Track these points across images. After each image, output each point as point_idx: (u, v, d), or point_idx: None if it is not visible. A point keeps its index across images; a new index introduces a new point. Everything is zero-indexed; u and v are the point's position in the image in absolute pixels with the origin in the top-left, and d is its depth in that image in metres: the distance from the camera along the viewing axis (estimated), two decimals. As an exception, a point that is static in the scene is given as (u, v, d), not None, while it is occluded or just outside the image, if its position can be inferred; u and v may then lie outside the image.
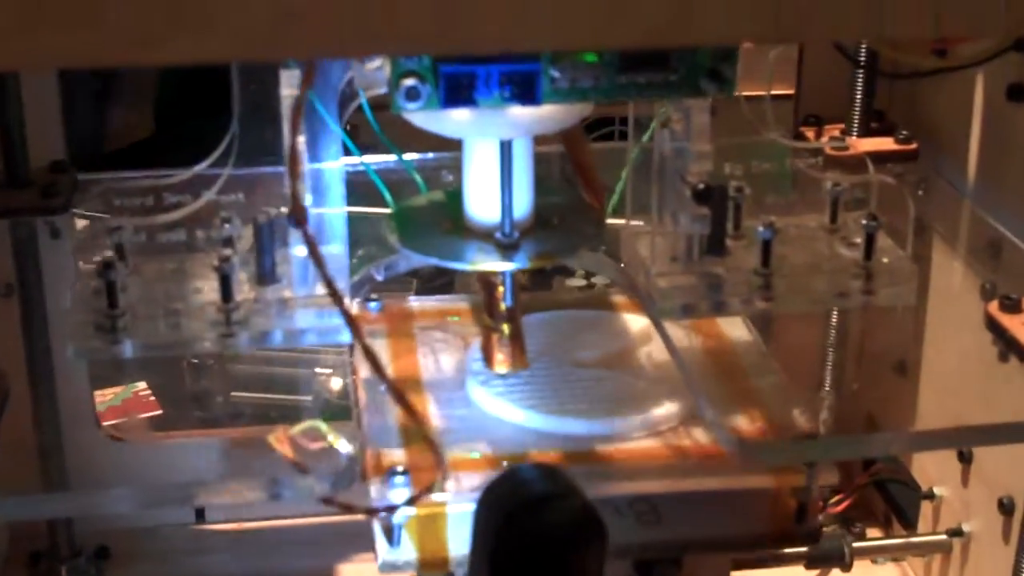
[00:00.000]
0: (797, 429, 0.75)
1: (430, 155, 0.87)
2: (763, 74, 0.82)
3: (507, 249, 0.73)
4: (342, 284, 0.74)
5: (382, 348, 0.84)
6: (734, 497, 0.73)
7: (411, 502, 0.68)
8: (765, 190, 0.81)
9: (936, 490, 1.00)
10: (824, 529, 1.05)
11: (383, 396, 0.78)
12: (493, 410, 0.78)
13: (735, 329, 0.85)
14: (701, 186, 0.73)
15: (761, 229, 0.75)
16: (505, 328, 0.77)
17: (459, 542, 0.70)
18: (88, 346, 0.71)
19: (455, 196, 0.77)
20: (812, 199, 0.82)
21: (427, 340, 0.85)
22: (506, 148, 0.71)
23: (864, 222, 0.77)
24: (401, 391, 0.65)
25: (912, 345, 1.00)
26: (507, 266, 0.73)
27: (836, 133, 0.96)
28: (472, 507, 0.68)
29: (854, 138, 0.96)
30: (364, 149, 0.81)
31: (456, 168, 0.81)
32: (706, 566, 0.78)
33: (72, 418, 0.97)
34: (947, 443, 0.84)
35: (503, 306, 0.77)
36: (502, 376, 0.78)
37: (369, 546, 0.73)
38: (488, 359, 0.78)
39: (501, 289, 0.77)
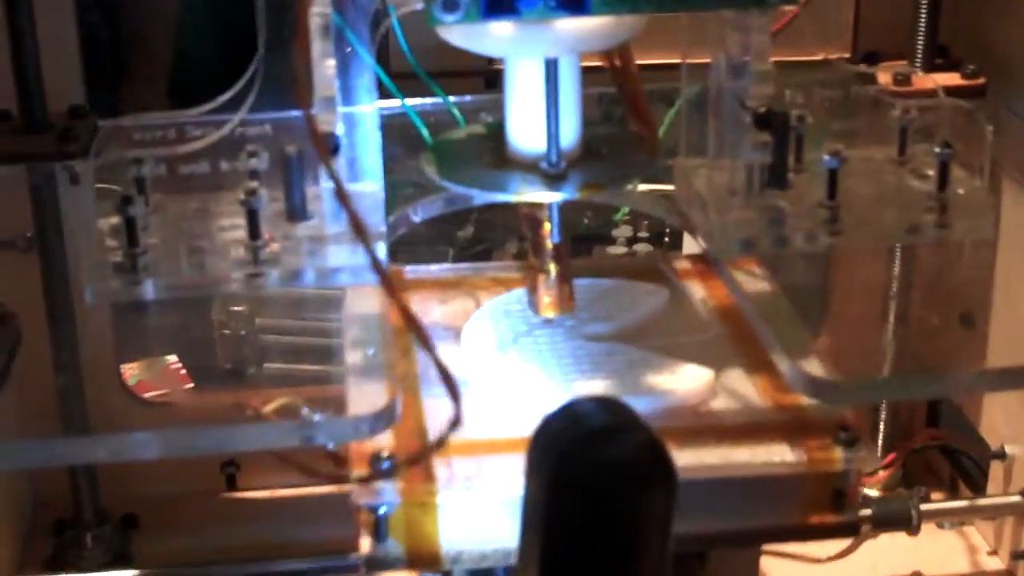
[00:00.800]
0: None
1: (468, 97, 0.82)
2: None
3: (553, 179, 0.68)
4: (377, 223, 0.70)
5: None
6: (763, 484, 0.65)
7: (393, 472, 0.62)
8: (827, 119, 0.75)
9: (1008, 449, 0.94)
10: (887, 492, 1.01)
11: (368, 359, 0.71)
12: (495, 389, 0.70)
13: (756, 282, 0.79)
14: (762, 110, 0.68)
15: (827, 158, 0.70)
16: (552, 267, 0.72)
17: (453, 535, 0.64)
18: (106, 287, 0.66)
19: (497, 129, 0.72)
20: (878, 130, 0.76)
21: (426, 309, 0.79)
22: (551, 68, 0.66)
23: (937, 150, 0.71)
24: (429, 338, 0.59)
25: (980, 295, 0.95)
26: (553, 197, 0.68)
27: (898, 70, 0.90)
28: (465, 496, 0.63)
29: (918, 75, 0.90)
30: (394, 79, 0.75)
31: (496, 110, 0.76)
32: (734, 559, 0.72)
33: (96, 381, 0.93)
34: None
35: (549, 244, 0.71)
36: (510, 349, 0.72)
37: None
38: (534, 302, 0.73)
39: (548, 226, 0.71)
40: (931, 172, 0.73)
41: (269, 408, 0.65)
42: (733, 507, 0.65)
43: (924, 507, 0.93)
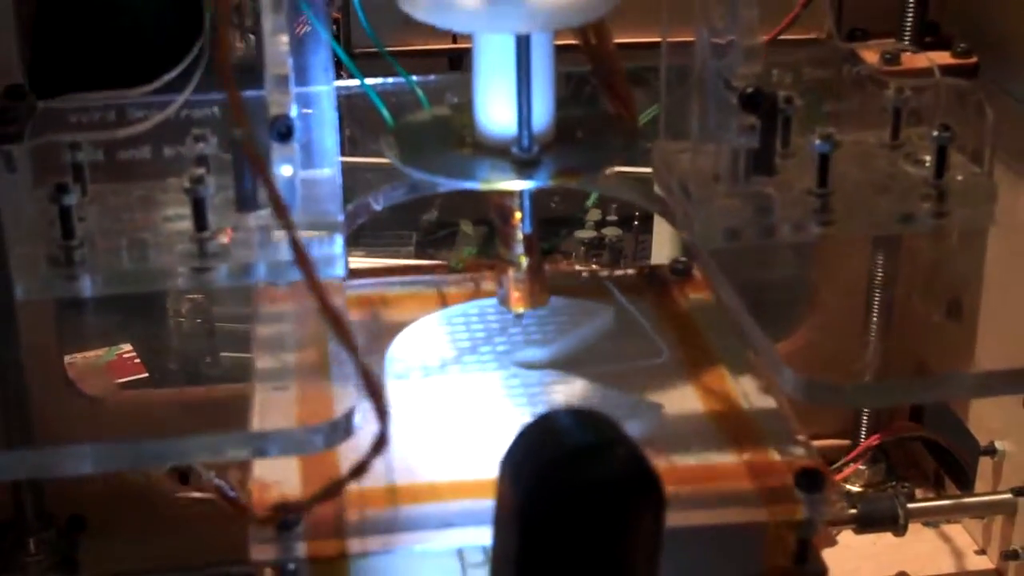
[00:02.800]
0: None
1: (432, 77, 0.77)
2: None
3: (525, 165, 0.63)
4: (334, 212, 0.65)
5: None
6: (722, 535, 0.59)
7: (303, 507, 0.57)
8: (816, 100, 0.71)
9: (998, 444, 0.90)
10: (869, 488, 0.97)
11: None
12: (415, 424, 0.64)
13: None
14: (750, 90, 0.63)
15: (818, 143, 0.65)
16: (522, 260, 0.67)
17: None
18: (39, 282, 0.61)
19: (463, 111, 0.67)
20: (869, 111, 0.72)
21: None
22: (523, 45, 0.61)
23: (935, 133, 0.66)
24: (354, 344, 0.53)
25: (969, 283, 0.90)
26: (525, 185, 0.63)
27: (886, 49, 0.86)
28: (378, 550, 0.57)
29: (907, 53, 0.86)
30: (353, 59, 0.71)
31: (463, 90, 0.71)
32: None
33: (38, 375, 0.88)
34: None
35: (520, 235, 0.67)
36: (430, 383, 0.67)
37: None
38: (504, 297, 0.68)
39: (518, 215, 0.66)
40: (927, 156, 0.69)
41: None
42: (688, 556, 0.57)
43: (911, 506, 0.89)
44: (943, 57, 0.85)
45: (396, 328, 0.72)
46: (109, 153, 0.66)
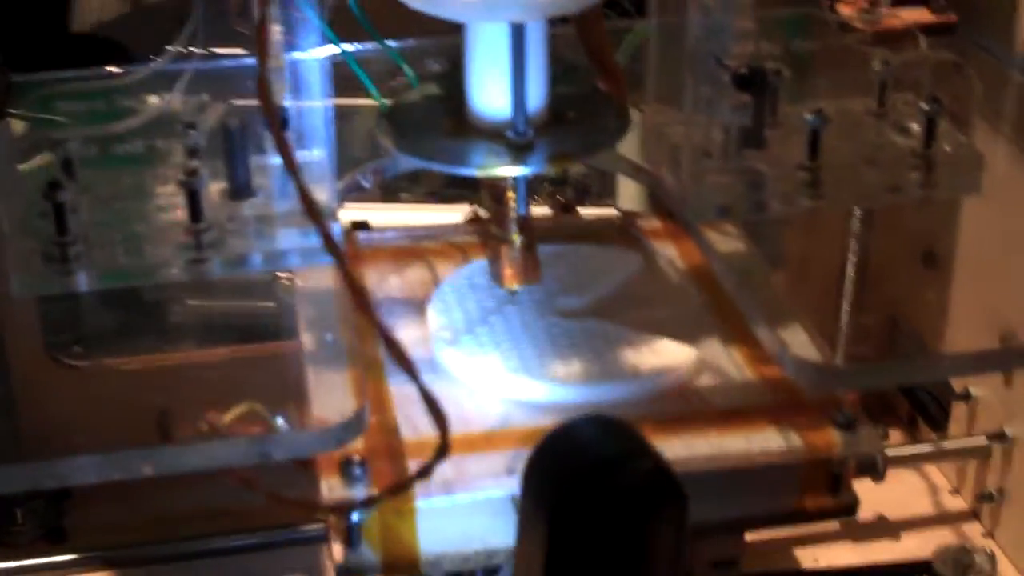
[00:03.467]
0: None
1: (411, 41, 0.76)
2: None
3: (520, 150, 0.63)
4: (326, 195, 0.64)
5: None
6: (760, 472, 0.62)
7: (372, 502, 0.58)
8: (801, 71, 0.71)
9: (972, 390, 0.92)
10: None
11: (328, 346, 0.67)
12: (467, 377, 0.67)
13: (730, 242, 0.75)
14: (743, 70, 0.63)
15: (809, 117, 0.66)
16: (516, 238, 0.67)
17: (431, 540, 0.60)
18: (36, 279, 0.61)
19: (454, 89, 0.67)
20: (854, 80, 0.72)
21: (383, 286, 0.74)
22: (518, 32, 0.61)
23: (925, 106, 0.67)
24: (401, 349, 0.54)
25: (944, 234, 0.92)
26: (522, 170, 0.63)
27: (864, 4, 0.86)
28: (444, 501, 0.60)
29: (884, 9, 0.86)
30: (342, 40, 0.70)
31: (444, 54, 0.71)
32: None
33: (18, 342, 0.87)
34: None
35: (514, 214, 0.67)
36: (474, 332, 0.68)
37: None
38: (497, 274, 0.69)
39: (511, 195, 0.66)
40: (913, 124, 0.69)
41: (228, 418, 0.60)
42: (726, 495, 0.62)
43: (889, 452, 0.90)
44: (922, 14, 0.85)
45: (429, 282, 0.73)
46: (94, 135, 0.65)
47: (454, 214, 0.83)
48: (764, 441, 0.62)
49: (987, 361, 0.70)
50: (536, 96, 0.64)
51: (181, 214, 0.62)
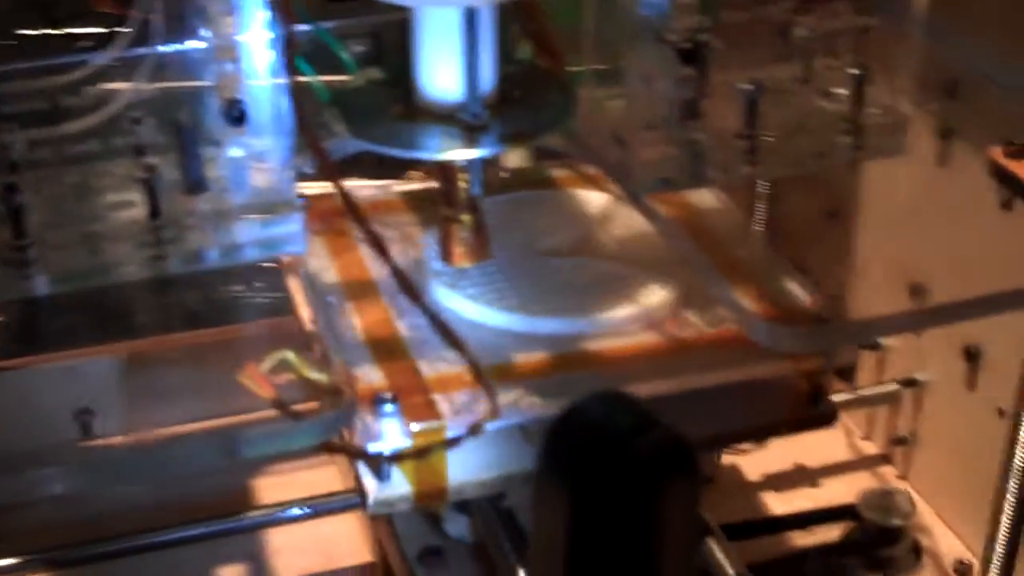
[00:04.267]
0: (804, 308, 0.69)
1: (330, 23, 0.76)
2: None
3: (475, 131, 0.64)
4: (287, 190, 0.64)
5: (319, 251, 0.74)
6: (748, 388, 0.66)
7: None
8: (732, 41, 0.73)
9: (882, 340, 0.96)
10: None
11: (332, 307, 0.69)
12: (465, 313, 0.70)
13: (703, 197, 0.78)
14: (687, 45, 0.65)
15: (746, 87, 0.68)
16: (466, 218, 0.68)
17: (456, 469, 0.63)
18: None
19: (396, 72, 0.67)
20: (775, 48, 0.74)
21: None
22: (471, 17, 0.61)
23: (854, 72, 0.70)
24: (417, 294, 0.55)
25: (846, 191, 0.95)
26: (480, 153, 0.64)
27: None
28: (465, 432, 0.62)
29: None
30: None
31: (364, 37, 0.71)
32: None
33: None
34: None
35: (464, 193, 0.68)
36: (468, 275, 0.70)
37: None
38: (447, 253, 0.69)
39: (462, 175, 0.67)
40: (838, 90, 0.72)
41: (264, 367, 0.61)
42: (715, 412, 0.66)
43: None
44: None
45: (414, 229, 0.76)
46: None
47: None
48: (753, 357, 0.66)
49: (937, 317, 0.73)
50: (486, 78, 0.64)
51: (137, 211, 0.62)
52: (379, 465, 0.61)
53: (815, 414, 0.68)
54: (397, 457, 0.61)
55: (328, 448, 0.62)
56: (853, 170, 0.94)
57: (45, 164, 0.64)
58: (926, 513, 0.92)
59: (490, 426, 0.62)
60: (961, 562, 0.88)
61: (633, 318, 0.69)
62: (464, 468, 0.63)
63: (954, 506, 0.91)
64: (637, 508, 0.46)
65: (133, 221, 0.62)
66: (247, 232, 0.63)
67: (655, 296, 0.70)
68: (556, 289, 0.70)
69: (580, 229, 0.76)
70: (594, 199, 0.78)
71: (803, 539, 0.91)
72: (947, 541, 0.91)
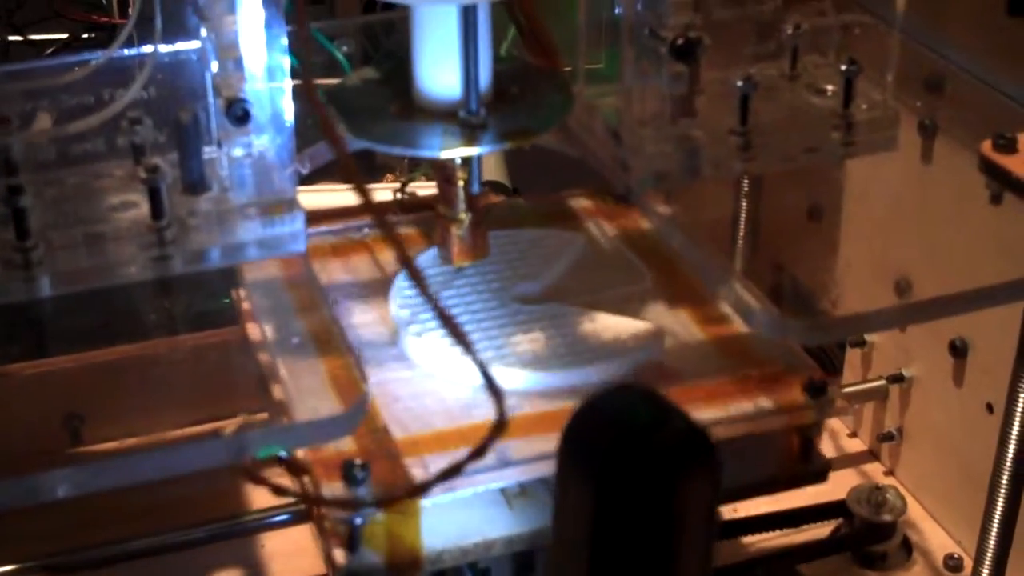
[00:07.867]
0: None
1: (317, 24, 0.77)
2: None
3: (475, 129, 0.64)
4: (288, 188, 0.64)
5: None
6: (738, 445, 0.64)
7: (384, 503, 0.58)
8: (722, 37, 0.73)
9: (868, 336, 0.97)
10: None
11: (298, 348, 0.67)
12: (441, 369, 0.67)
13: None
14: (680, 42, 0.66)
15: (740, 83, 0.68)
16: (464, 216, 0.69)
17: (434, 536, 0.61)
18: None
19: (391, 71, 0.68)
20: (763, 45, 0.75)
21: (335, 285, 0.74)
22: (470, 15, 0.62)
23: (843, 67, 0.70)
24: (453, 323, 0.55)
25: (829, 189, 0.96)
26: (482, 150, 0.64)
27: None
28: (446, 496, 0.60)
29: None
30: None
31: (353, 36, 0.71)
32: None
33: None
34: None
35: (462, 192, 0.68)
36: (440, 326, 0.68)
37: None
38: (446, 253, 0.70)
39: (460, 174, 0.68)
40: (827, 86, 0.73)
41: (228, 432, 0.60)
42: None
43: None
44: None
45: (380, 274, 0.74)
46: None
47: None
48: (744, 414, 0.65)
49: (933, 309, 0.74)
50: (484, 76, 0.65)
51: (139, 212, 0.62)
52: (347, 534, 0.59)
53: (807, 471, 0.67)
54: (367, 526, 0.59)
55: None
56: (837, 167, 0.95)
57: (46, 165, 0.64)
58: (914, 509, 0.93)
59: (475, 489, 0.61)
60: (952, 556, 0.89)
61: (616, 369, 0.67)
62: (442, 534, 0.61)
63: (942, 501, 0.92)
64: (661, 500, 0.46)
65: (136, 222, 0.62)
66: (249, 232, 0.63)
67: (639, 346, 0.68)
68: (535, 341, 0.68)
69: (555, 271, 0.74)
70: (569, 239, 0.77)
71: (791, 538, 0.91)
72: (936, 536, 0.91)
